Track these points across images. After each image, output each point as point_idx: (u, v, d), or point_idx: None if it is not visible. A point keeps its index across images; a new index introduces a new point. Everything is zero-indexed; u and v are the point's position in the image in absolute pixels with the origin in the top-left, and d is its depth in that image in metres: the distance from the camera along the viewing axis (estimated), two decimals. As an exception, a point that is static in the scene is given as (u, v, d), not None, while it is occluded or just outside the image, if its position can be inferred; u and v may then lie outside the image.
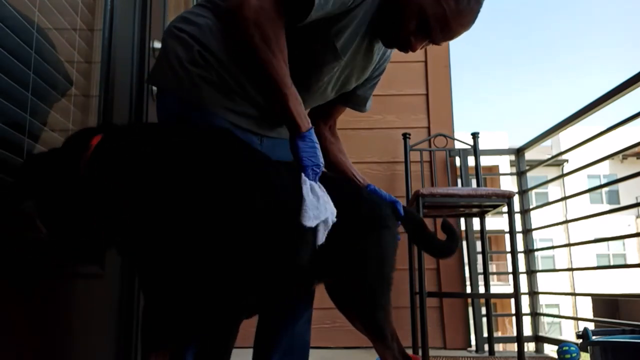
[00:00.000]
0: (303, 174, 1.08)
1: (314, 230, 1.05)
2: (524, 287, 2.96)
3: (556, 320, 16.62)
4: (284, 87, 1.07)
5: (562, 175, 3.22)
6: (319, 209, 1.04)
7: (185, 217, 0.91)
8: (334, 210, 1.08)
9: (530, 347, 3.02)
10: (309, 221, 1.02)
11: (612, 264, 16.20)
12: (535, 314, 2.98)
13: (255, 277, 1.00)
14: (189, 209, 0.92)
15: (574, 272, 14.89)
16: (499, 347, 2.76)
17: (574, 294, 12.31)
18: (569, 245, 3.14)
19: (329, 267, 1.15)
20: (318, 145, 1.12)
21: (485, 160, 6.80)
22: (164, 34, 1.27)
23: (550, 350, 2.96)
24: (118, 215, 0.91)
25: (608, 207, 18.39)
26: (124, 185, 0.91)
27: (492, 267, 14.73)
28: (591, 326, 3.31)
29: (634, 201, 17.40)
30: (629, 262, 19.90)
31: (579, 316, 12.26)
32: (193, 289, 0.95)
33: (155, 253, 0.93)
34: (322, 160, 1.12)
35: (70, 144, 0.98)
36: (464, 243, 2.94)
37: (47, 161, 0.97)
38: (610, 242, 19.53)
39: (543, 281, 3.16)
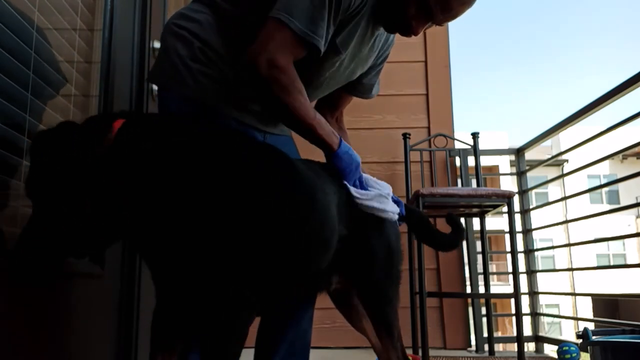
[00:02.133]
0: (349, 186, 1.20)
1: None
2: (524, 287, 2.96)
3: (556, 320, 16.62)
4: (309, 120, 1.14)
5: (562, 175, 3.22)
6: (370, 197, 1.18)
7: (197, 212, 0.91)
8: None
9: (530, 347, 3.02)
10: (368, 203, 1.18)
11: (612, 264, 16.19)
12: (535, 314, 2.97)
13: (261, 274, 1.00)
14: (201, 204, 0.92)
15: (574, 272, 14.90)
16: (499, 347, 2.76)
17: (574, 294, 12.32)
18: (569, 245, 3.14)
19: (341, 263, 1.15)
20: (351, 153, 1.21)
21: (485, 160, 6.81)
22: (163, 32, 1.27)
23: (550, 350, 2.96)
24: (128, 205, 0.90)
25: (608, 207, 18.38)
26: (146, 174, 0.91)
27: (492, 267, 14.72)
28: (591, 326, 3.31)
29: (634, 201, 17.40)
30: (629, 262, 19.89)
31: (579, 316, 12.27)
32: (200, 286, 0.95)
33: (164, 246, 0.93)
34: (357, 160, 1.22)
35: (93, 123, 0.97)
36: (464, 243, 2.94)
37: (62, 135, 0.94)
38: (610, 242, 19.52)
39: (543, 281, 3.16)
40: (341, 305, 1.32)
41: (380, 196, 1.20)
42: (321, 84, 1.32)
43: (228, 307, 0.94)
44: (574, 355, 2.23)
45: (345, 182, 1.19)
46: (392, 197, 1.32)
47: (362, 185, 1.23)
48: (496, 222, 5.30)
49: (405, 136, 2.89)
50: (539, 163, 3.38)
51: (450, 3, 1.18)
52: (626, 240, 19.23)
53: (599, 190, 18.36)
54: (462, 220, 2.94)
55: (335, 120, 1.51)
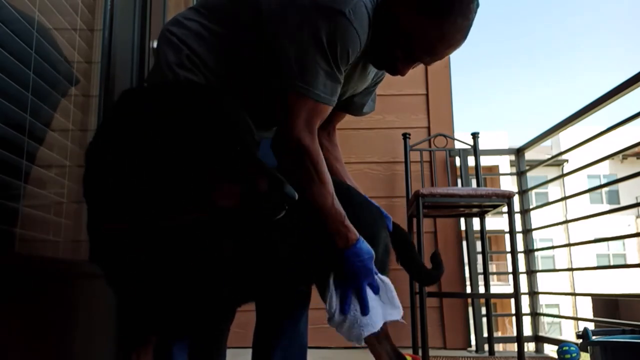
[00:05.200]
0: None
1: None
2: (524, 287, 2.96)
3: (556, 320, 16.61)
4: (325, 210, 1.14)
5: (562, 175, 3.21)
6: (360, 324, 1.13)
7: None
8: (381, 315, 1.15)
9: (530, 347, 3.02)
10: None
11: (612, 264, 16.18)
12: (535, 314, 2.97)
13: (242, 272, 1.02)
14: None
15: (574, 272, 14.89)
16: (499, 347, 2.76)
17: (574, 294, 12.30)
18: (569, 245, 3.14)
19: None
20: (359, 260, 1.14)
21: (485, 160, 6.79)
22: (159, 38, 1.29)
23: (550, 350, 2.96)
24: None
25: (608, 207, 18.38)
26: None
27: (492, 267, 14.69)
28: (591, 326, 3.31)
29: (634, 201, 17.39)
30: (629, 262, 19.88)
31: (579, 316, 12.24)
32: (184, 287, 0.95)
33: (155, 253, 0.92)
34: (361, 273, 1.14)
35: None
36: (464, 243, 2.94)
37: None
38: (610, 242, 19.52)
39: (543, 281, 3.16)
40: None
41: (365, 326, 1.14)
42: None
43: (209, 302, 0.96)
44: (574, 355, 2.23)
45: (330, 280, 1.16)
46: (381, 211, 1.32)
47: (373, 289, 1.18)
48: (496, 222, 5.28)
49: (405, 136, 2.89)
50: (539, 163, 3.38)
51: (435, 48, 1.19)
52: (626, 240, 19.22)
53: (599, 190, 18.35)
54: (462, 220, 2.94)
55: (327, 134, 1.51)
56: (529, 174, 3.14)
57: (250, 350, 1.38)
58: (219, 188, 0.81)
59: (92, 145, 0.88)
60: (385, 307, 1.17)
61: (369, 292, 1.16)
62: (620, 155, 17.27)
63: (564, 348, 2.27)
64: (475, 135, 2.95)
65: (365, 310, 1.14)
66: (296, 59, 1.13)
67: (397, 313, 1.18)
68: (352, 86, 1.35)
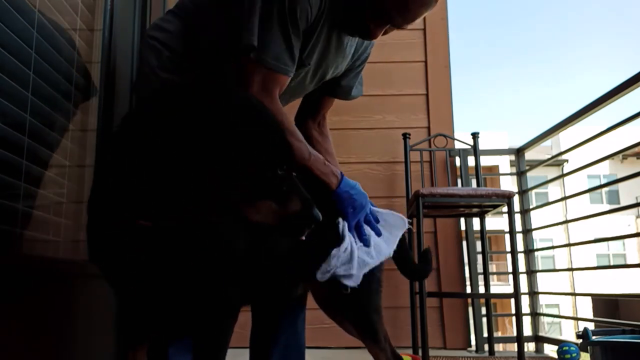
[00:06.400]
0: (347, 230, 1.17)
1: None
2: (524, 287, 2.96)
3: (556, 320, 16.60)
4: (304, 161, 1.17)
5: (562, 175, 3.22)
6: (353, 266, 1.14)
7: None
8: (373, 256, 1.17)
9: (530, 347, 3.02)
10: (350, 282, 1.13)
11: (612, 264, 16.17)
12: (535, 314, 2.97)
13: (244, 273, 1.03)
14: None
15: (574, 272, 14.88)
16: (499, 347, 2.76)
17: (574, 294, 12.29)
18: (569, 245, 3.14)
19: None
20: (352, 193, 1.20)
21: (485, 160, 6.78)
22: (141, 44, 1.30)
23: (550, 350, 2.96)
24: None
25: (608, 207, 18.38)
26: None
27: (492, 267, 14.68)
28: (591, 326, 3.31)
29: (634, 201, 17.38)
30: (629, 262, 19.88)
31: (579, 316, 12.25)
32: (188, 288, 0.95)
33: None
34: (361, 201, 1.20)
35: None
36: (464, 243, 2.94)
37: None
38: (610, 242, 19.52)
39: (543, 281, 3.16)
40: (328, 308, 1.31)
41: (363, 264, 1.16)
42: (286, 94, 1.33)
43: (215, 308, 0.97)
44: (574, 355, 2.22)
45: (340, 222, 1.17)
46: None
47: (372, 225, 1.22)
48: (496, 222, 5.28)
49: (405, 136, 2.89)
50: (539, 163, 3.38)
51: (408, 6, 1.17)
52: (626, 240, 19.22)
53: (599, 190, 18.36)
54: (462, 220, 2.94)
55: (317, 125, 1.49)
56: (529, 174, 3.14)
57: (246, 351, 1.38)
58: (256, 203, 0.84)
59: (120, 141, 0.88)
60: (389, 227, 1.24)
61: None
62: (620, 155, 17.27)
63: (564, 348, 2.26)
64: (475, 135, 2.95)
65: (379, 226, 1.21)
66: (249, 23, 1.12)
67: (403, 225, 1.25)
68: (331, 62, 1.33)
